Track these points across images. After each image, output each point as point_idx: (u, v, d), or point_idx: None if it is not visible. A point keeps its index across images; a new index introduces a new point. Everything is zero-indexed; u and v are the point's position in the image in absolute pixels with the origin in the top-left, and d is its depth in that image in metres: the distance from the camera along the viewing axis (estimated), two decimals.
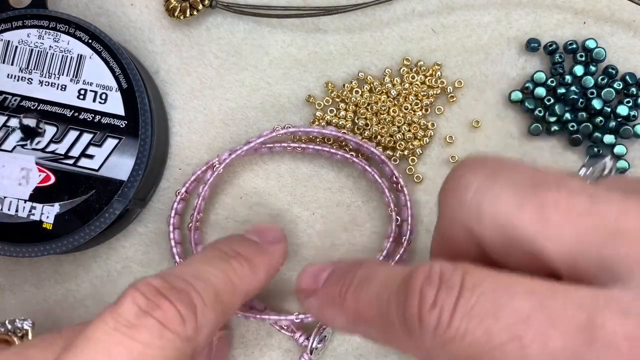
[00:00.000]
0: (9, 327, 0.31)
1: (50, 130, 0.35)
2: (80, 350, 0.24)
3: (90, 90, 0.35)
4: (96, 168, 0.35)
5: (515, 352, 0.20)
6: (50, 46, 0.35)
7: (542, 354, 0.20)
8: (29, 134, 0.35)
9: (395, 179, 0.37)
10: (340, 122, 0.38)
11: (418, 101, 0.38)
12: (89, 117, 0.35)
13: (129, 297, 0.26)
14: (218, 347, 0.36)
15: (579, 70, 0.37)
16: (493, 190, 0.23)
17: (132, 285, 0.26)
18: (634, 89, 0.37)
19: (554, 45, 0.37)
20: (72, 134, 0.35)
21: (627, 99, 0.37)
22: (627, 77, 0.37)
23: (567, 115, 0.37)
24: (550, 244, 0.22)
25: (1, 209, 0.35)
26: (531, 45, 0.37)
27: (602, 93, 0.37)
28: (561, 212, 0.22)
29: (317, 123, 0.38)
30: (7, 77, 0.35)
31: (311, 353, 0.36)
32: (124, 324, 0.25)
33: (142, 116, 0.35)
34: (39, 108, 0.35)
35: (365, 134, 0.38)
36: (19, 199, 0.35)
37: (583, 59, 0.37)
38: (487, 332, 0.21)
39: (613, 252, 0.21)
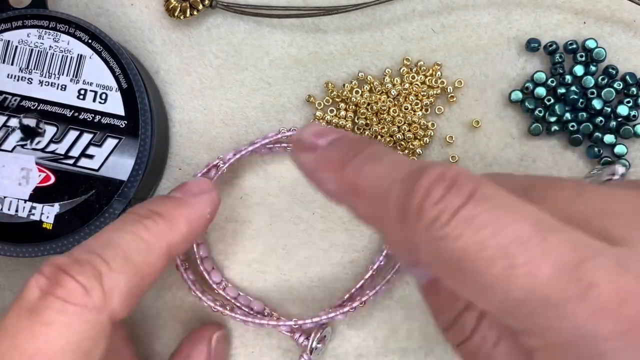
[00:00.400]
0: None
1: (50, 130, 0.35)
2: None
3: (90, 90, 0.35)
4: (96, 168, 0.35)
5: (503, 270, 0.21)
6: (50, 46, 0.35)
7: (528, 278, 0.20)
8: (29, 134, 0.35)
9: None
10: (340, 122, 0.38)
11: (418, 101, 0.38)
12: (89, 117, 0.35)
13: (32, 281, 0.26)
14: (216, 348, 0.36)
15: (579, 70, 0.37)
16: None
17: (38, 269, 0.26)
18: (634, 89, 0.37)
19: (554, 46, 0.37)
20: (72, 134, 0.35)
21: (627, 99, 0.37)
22: (627, 77, 0.37)
23: (567, 115, 0.37)
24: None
25: (1, 209, 0.35)
26: (531, 45, 0.37)
27: (602, 93, 0.37)
28: (550, 206, 0.23)
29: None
30: (7, 77, 0.35)
31: (311, 353, 0.36)
32: (27, 308, 0.25)
33: (142, 116, 0.35)
34: (39, 108, 0.35)
35: (366, 134, 0.38)
36: (19, 199, 0.35)
37: (583, 59, 0.37)
38: (481, 242, 0.21)
39: (604, 224, 0.22)
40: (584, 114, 0.37)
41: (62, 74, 0.35)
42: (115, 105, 0.35)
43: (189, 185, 0.33)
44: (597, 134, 0.37)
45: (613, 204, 0.23)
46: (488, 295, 0.22)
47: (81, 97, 0.35)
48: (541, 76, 0.37)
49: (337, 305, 0.37)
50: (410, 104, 0.38)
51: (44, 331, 0.25)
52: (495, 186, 0.23)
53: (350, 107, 0.38)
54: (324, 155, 0.27)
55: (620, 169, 0.30)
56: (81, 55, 0.35)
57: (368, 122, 0.38)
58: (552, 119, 0.37)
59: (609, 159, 0.37)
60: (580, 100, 0.37)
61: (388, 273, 0.36)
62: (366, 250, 0.38)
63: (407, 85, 0.38)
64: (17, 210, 0.35)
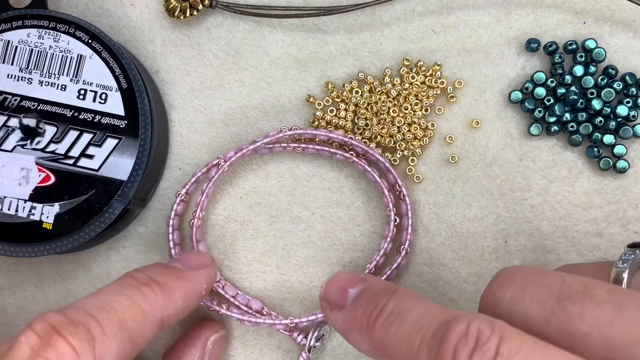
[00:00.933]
0: None
1: (50, 130, 0.35)
2: None
3: (90, 90, 0.35)
4: (96, 168, 0.35)
5: None
6: (50, 46, 0.35)
7: None
8: (29, 133, 0.35)
9: (398, 188, 0.37)
10: (340, 122, 0.38)
11: (418, 101, 0.38)
12: (89, 117, 0.35)
13: (22, 338, 0.25)
14: (212, 351, 0.36)
15: (578, 70, 0.37)
16: (522, 305, 0.24)
17: (29, 324, 0.26)
18: (633, 89, 0.37)
19: (554, 46, 0.37)
20: (72, 134, 0.35)
21: (627, 99, 0.37)
22: (627, 77, 0.37)
23: (567, 116, 0.37)
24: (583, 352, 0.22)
25: (1, 209, 0.35)
26: (531, 46, 0.37)
27: (602, 93, 0.37)
28: (587, 325, 0.23)
29: (317, 123, 0.38)
30: (7, 77, 0.35)
31: (309, 352, 0.36)
32: None
33: (142, 116, 0.35)
34: (39, 108, 0.35)
35: (365, 134, 0.38)
36: (18, 199, 0.35)
37: (583, 59, 0.37)
38: None
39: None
40: (584, 114, 0.37)
41: (62, 74, 0.35)
42: (115, 105, 0.35)
43: (190, 257, 0.33)
44: (596, 134, 0.37)
45: None
46: None
47: (81, 97, 0.35)
48: (541, 76, 0.37)
49: None
50: (410, 104, 0.38)
51: None
52: (518, 333, 0.23)
53: (350, 107, 0.38)
54: (351, 317, 0.28)
55: None
56: (81, 55, 0.35)
57: (368, 122, 0.38)
58: (552, 119, 0.37)
59: (596, 152, 0.37)
60: (580, 100, 0.37)
61: (386, 271, 0.36)
62: (366, 250, 0.38)
63: (407, 86, 0.38)
64: (17, 210, 0.35)
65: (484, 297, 0.26)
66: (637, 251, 0.28)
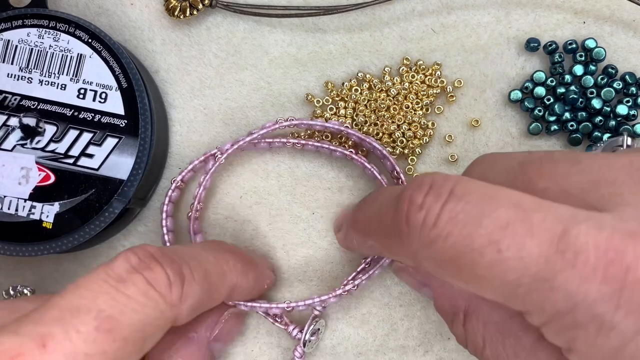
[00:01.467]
0: (12, 293, 0.34)
1: (50, 130, 0.35)
2: (69, 294, 0.25)
3: (90, 90, 0.35)
4: (96, 167, 0.35)
5: (492, 256, 0.22)
6: (50, 45, 0.35)
7: (516, 259, 0.22)
8: (29, 133, 0.35)
9: (396, 174, 0.37)
10: (339, 121, 0.38)
11: (418, 100, 0.38)
12: (89, 117, 0.35)
13: (122, 256, 0.27)
14: (227, 321, 0.35)
15: (578, 69, 0.37)
16: (489, 176, 0.26)
17: (129, 249, 0.27)
18: (633, 89, 0.37)
19: (554, 45, 0.37)
20: (72, 133, 0.35)
21: (627, 99, 0.37)
22: (627, 77, 0.37)
23: (567, 115, 0.37)
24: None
25: (1, 208, 0.35)
26: (531, 45, 0.37)
27: (602, 93, 0.37)
28: (546, 180, 0.24)
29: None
30: (7, 76, 0.35)
31: (304, 346, 0.36)
32: (114, 277, 0.26)
33: (142, 115, 0.35)
34: (38, 107, 0.35)
35: (364, 131, 0.38)
36: (18, 198, 0.35)
37: (583, 58, 0.37)
38: (468, 236, 0.22)
39: (598, 193, 0.23)
40: (584, 113, 0.37)
41: (62, 73, 0.35)
42: (115, 104, 0.35)
43: (261, 259, 0.37)
44: (596, 133, 0.37)
45: (606, 171, 0.24)
46: (487, 284, 0.23)
47: (81, 96, 0.35)
48: (541, 76, 0.37)
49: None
50: (411, 103, 0.38)
51: (123, 302, 0.25)
52: (473, 180, 0.24)
53: (350, 104, 0.38)
54: (346, 223, 0.33)
55: (626, 139, 0.30)
56: (81, 55, 0.35)
57: (367, 120, 0.38)
58: (552, 119, 0.37)
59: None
60: (580, 99, 0.37)
61: (383, 260, 0.36)
62: None
63: (406, 85, 0.38)
64: (17, 210, 0.35)
65: None
66: (611, 140, 0.31)
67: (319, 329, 0.37)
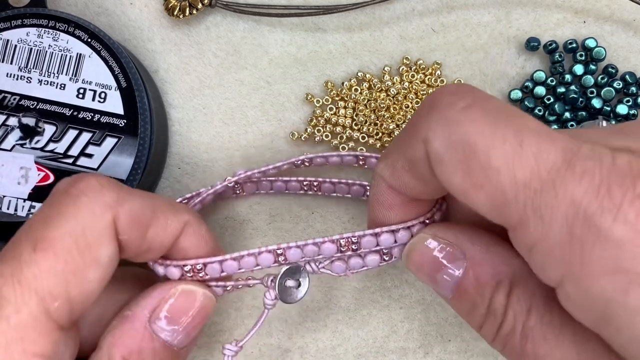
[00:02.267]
0: None
1: (49, 129, 0.35)
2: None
3: (90, 89, 0.35)
4: (95, 167, 0.35)
5: (514, 147, 0.22)
6: (49, 45, 0.35)
7: (534, 156, 0.22)
8: (28, 133, 0.35)
9: None
10: (339, 120, 0.38)
11: (418, 100, 0.38)
12: (88, 116, 0.35)
13: (60, 181, 0.28)
14: (177, 299, 0.30)
15: (578, 69, 0.37)
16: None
17: None
18: (633, 88, 0.37)
19: (554, 45, 0.37)
20: (71, 133, 0.35)
21: (627, 98, 0.37)
22: (627, 77, 0.37)
23: (567, 115, 0.37)
24: None
25: (0, 208, 0.35)
26: (531, 45, 0.37)
27: (602, 92, 0.37)
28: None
29: (315, 122, 0.38)
30: (6, 76, 0.35)
31: (278, 290, 0.30)
32: (48, 203, 0.27)
33: (141, 115, 0.35)
34: (38, 107, 0.35)
35: (364, 130, 0.38)
36: (18, 198, 0.35)
37: (583, 58, 0.37)
38: (494, 123, 0.23)
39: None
40: (584, 113, 0.37)
41: (61, 73, 0.35)
42: (114, 104, 0.35)
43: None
44: None
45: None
46: (494, 179, 0.23)
47: (80, 96, 0.35)
48: (541, 75, 0.37)
49: None
50: (411, 102, 0.38)
51: (55, 217, 0.26)
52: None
53: (349, 104, 0.38)
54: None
55: (602, 123, 0.31)
56: (80, 54, 0.35)
57: (367, 119, 0.38)
58: (552, 118, 0.37)
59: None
60: (580, 99, 0.37)
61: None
62: None
63: (406, 84, 0.38)
64: (16, 209, 0.35)
65: (428, 100, 0.27)
66: (589, 121, 0.31)
67: (302, 275, 0.31)
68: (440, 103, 0.24)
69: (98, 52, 0.35)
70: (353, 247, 0.29)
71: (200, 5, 0.38)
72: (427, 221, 0.29)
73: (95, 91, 0.35)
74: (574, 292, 0.22)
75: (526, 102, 0.37)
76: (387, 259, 0.30)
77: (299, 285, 0.30)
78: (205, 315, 0.31)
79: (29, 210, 0.35)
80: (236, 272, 0.31)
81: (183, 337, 0.30)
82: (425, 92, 0.38)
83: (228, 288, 0.31)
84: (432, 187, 0.26)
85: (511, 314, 0.26)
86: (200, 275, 0.30)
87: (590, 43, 0.37)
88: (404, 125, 0.37)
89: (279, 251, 0.30)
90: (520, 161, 0.22)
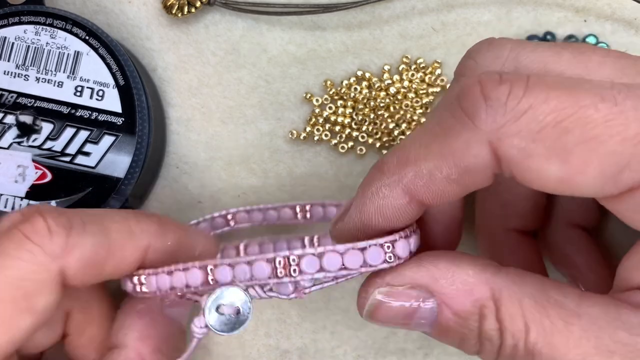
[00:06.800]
0: None
1: (46, 127, 0.35)
2: None
3: (87, 87, 0.35)
4: (93, 165, 0.35)
5: (610, 110, 0.21)
6: (47, 43, 0.35)
7: (624, 125, 0.21)
8: (26, 131, 0.35)
9: None
10: (338, 119, 0.38)
11: (418, 99, 0.37)
12: (86, 114, 0.35)
13: (9, 215, 0.27)
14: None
15: None
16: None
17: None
18: None
19: (550, 37, 0.37)
20: (69, 131, 0.35)
21: None
22: None
23: None
24: None
25: None
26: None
27: None
28: None
29: (314, 121, 0.38)
30: (4, 73, 0.35)
31: (209, 319, 0.26)
32: None
33: (139, 113, 0.35)
34: (35, 105, 0.35)
35: (363, 130, 0.37)
36: (15, 197, 0.35)
37: None
38: (573, 92, 0.21)
39: None
40: None
41: (59, 71, 0.35)
42: (112, 102, 0.35)
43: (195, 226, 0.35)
44: None
45: None
46: (600, 149, 0.21)
47: (78, 94, 0.35)
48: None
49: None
50: (410, 102, 0.37)
51: (1, 257, 0.25)
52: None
53: (349, 103, 0.38)
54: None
55: None
56: (78, 52, 0.35)
57: (366, 118, 0.37)
58: None
59: None
60: None
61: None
62: None
63: (406, 83, 0.37)
64: (13, 208, 0.35)
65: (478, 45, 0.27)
66: None
67: (239, 308, 0.26)
68: (493, 97, 0.21)
69: (96, 50, 0.35)
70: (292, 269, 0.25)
71: (198, 4, 0.38)
72: (398, 238, 0.25)
73: (93, 89, 0.35)
74: None
75: None
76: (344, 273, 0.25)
77: (238, 312, 0.25)
78: None
79: None
80: (171, 290, 0.27)
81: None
82: (425, 92, 0.37)
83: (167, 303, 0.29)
84: (469, 191, 0.24)
85: (509, 336, 0.23)
86: (144, 288, 0.28)
87: (591, 40, 0.37)
88: (403, 125, 0.37)
89: (210, 267, 0.25)
90: (623, 118, 0.20)
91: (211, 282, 0.25)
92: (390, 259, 0.25)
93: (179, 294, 0.27)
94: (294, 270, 0.24)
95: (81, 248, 0.26)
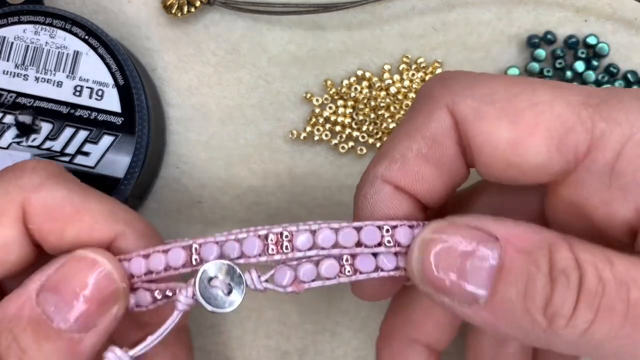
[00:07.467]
0: None
1: (46, 127, 0.35)
2: None
3: (87, 87, 0.35)
4: (92, 165, 0.35)
5: None
6: (46, 42, 0.35)
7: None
8: (25, 130, 0.35)
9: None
10: (339, 119, 0.37)
11: None
12: (85, 114, 0.35)
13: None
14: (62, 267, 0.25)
15: (579, 66, 0.37)
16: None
17: None
18: (635, 87, 0.37)
19: (551, 37, 0.37)
20: (68, 131, 0.35)
21: None
22: (629, 76, 0.37)
23: None
24: None
25: None
26: (532, 42, 0.37)
27: None
28: None
29: (314, 121, 0.38)
30: (3, 73, 0.35)
31: (200, 290, 0.24)
32: None
33: (138, 113, 0.35)
34: (34, 105, 0.35)
35: (364, 130, 0.37)
36: None
37: (584, 55, 0.37)
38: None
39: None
40: None
41: (58, 71, 0.35)
42: (111, 102, 0.35)
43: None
44: None
45: None
46: None
47: (77, 93, 0.35)
48: (540, 53, 0.37)
49: None
50: (411, 102, 0.37)
51: None
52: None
53: (349, 103, 0.38)
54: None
55: None
56: (77, 52, 0.35)
57: (366, 118, 0.37)
58: None
59: None
60: None
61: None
62: None
63: (407, 83, 0.37)
64: None
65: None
66: None
67: (231, 287, 0.24)
68: (448, 76, 0.24)
69: (95, 50, 0.35)
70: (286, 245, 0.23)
71: (198, 3, 0.38)
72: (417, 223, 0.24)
73: (92, 89, 0.35)
74: None
75: None
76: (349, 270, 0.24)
77: (230, 291, 0.24)
78: (110, 295, 0.24)
79: None
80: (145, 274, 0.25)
81: (76, 318, 0.24)
82: None
83: (156, 293, 0.25)
84: (452, 175, 0.24)
85: (589, 267, 0.20)
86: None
87: (592, 40, 0.37)
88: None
89: (195, 246, 0.24)
90: (568, 85, 0.22)
91: (195, 262, 0.24)
92: (389, 243, 0.23)
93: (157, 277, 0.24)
94: (286, 247, 0.24)
95: (50, 192, 0.26)
